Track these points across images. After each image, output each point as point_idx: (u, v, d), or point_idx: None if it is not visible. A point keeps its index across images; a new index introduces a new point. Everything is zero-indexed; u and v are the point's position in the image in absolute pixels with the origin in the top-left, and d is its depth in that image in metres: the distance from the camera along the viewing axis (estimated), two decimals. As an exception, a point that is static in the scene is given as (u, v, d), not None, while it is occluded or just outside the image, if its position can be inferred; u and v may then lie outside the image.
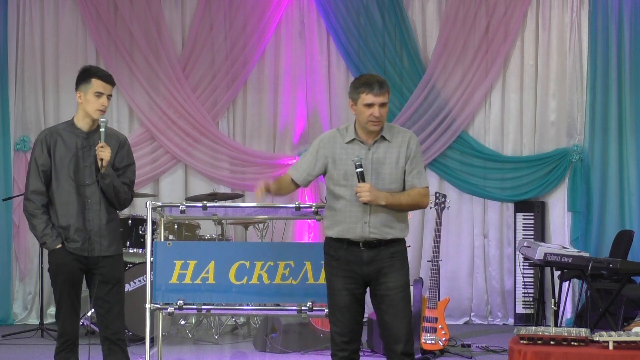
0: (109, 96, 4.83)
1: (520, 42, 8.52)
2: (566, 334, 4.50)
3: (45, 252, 7.85)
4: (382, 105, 4.47)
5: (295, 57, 8.65)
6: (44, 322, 7.76)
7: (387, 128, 4.58)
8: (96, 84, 4.77)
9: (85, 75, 4.82)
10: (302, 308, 5.53)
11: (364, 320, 4.81)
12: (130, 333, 6.84)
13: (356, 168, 4.45)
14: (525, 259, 7.32)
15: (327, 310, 5.54)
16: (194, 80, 8.62)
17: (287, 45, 8.66)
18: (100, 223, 4.81)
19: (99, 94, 4.77)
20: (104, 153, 4.73)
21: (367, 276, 4.51)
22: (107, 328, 4.87)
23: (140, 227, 7.43)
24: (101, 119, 4.80)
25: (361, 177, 4.44)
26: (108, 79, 4.81)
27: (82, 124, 4.84)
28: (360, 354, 4.67)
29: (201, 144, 8.59)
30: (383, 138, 4.54)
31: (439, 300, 6.85)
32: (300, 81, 8.65)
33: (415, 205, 4.62)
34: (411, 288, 4.81)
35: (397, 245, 4.55)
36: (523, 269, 8.09)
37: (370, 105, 4.46)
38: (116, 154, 4.87)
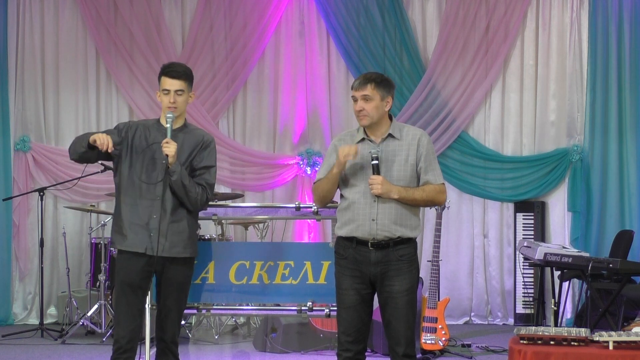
0: (179, 91, 4.67)
1: (520, 42, 8.52)
2: (566, 334, 4.49)
3: (45, 252, 7.95)
4: (363, 98, 4.51)
5: (295, 57, 8.64)
6: (44, 322, 7.74)
7: (396, 126, 4.59)
8: (163, 82, 4.68)
9: (159, 73, 4.74)
10: (302, 308, 5.53)
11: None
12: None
13: (372, 160, 4.47)
14: (525, 259, 7.32)
15: (327, 310, 5.56)
16: (194, 80, 8.58)
17: (287, 45, 8.66)
18: (165, 222, 4.59)
19: (165, 91, 4.67)
20: (169, 149, 4.53)
21: (374, 277, 4.50)
22: (162, 331, 4.73)
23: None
24: (168, 115, 4.62)
25: (376, 170, 4.45)
26: (173, 75, 4.67)
27: (164, 121, 4.72)
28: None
29: (201, 144, 8.58)
30: (391, 136, 4.56)
31: (439, 300, 6.85)
32: (300, 81, 8.65)
33: (431, 201, 4.60)
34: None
35: (407, 247, 4.52)
36: (523, 269, 8.08)
37: (355, 100, 4.54)
38: (196, 154, 4.70)
